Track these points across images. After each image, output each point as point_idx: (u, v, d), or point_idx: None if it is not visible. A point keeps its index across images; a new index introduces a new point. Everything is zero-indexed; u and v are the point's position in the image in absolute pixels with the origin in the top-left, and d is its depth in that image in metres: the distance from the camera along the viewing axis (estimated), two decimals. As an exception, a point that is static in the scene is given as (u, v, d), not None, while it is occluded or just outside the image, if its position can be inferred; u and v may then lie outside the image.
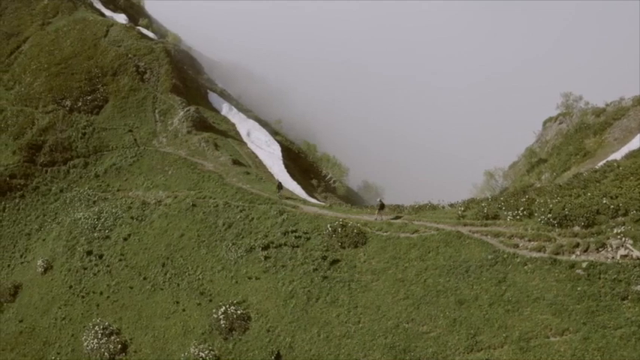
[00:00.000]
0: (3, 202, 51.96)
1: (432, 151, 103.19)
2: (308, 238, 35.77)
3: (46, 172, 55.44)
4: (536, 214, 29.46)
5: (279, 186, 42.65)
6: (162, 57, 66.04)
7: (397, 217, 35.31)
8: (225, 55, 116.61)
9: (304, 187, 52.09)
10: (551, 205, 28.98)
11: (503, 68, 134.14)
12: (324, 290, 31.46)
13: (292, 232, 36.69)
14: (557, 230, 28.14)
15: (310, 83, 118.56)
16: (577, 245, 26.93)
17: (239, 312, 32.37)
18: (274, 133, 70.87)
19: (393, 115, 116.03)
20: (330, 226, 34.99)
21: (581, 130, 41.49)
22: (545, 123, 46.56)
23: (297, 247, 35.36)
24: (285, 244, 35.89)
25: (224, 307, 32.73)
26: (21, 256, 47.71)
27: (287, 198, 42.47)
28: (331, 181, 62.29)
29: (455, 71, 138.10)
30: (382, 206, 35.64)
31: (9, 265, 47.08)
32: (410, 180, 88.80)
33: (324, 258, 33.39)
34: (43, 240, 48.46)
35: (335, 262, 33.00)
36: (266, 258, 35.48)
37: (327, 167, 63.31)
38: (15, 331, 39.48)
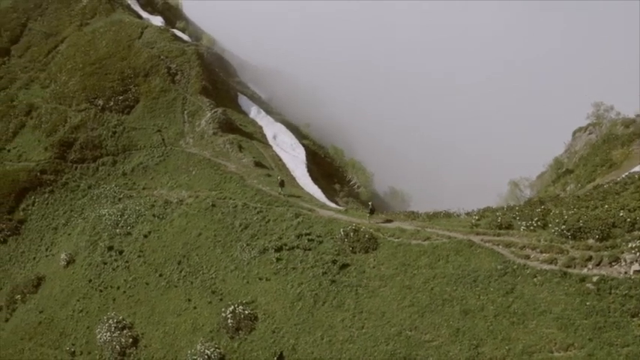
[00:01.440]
0: (33, 197, 54.20)
1: (462, 155, 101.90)
2: (321, 242, 36.15)
3: (76, 168, 57.52)
4: (550, 225, 29.07)
5: (282, 183, 43.89)
6: (193, 59, 67.61)
7: (387, 221, 36.14)
8: (262, 58, 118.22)
9: (325, 191, 52.48)
10: (566, 217, 28.56)
11: (539, 69, 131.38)
12: (331, 294, 31.74)
13: (306, 235, 37.18)
14: (570, 242, 27.70)
15: (344, 85, 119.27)
16: (590, 258, 26.43)
17: (247, 312, 32.99)
18: (302, 137, 71.69)
19: (425, 117, 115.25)
20: (343, 231, 35.31)
21: (609, 140, 40.52)
22: (574, 133, 45.69)
23: (310, 250, 35.78)
24: (297, 247, 36.37)
25: (233, 307, 33.43)
26: (46, 249, 49.71)
27: (290, 196, 43.36)
28: (355, 187, 62.50)
29: (491, 74, 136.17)
30: (372, 211, 36.86)
31: (34, 258, 49.15)
32: (438, 185, 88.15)
33: (334, 262, 33.70)
34: (69, 234, 50.35)
35: (344, 266, 33.25)
36: (278, 260, 36.03)
37: (352, 172, 63.54)
38: (35, 321, 41.21)
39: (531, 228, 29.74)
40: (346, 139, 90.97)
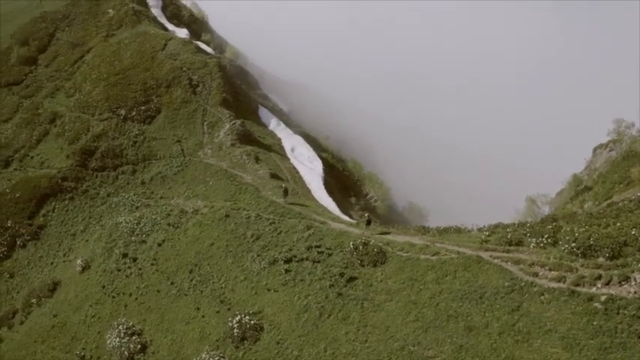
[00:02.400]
0: (53, 203, 55.71)
1: (482, 169, 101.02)
2: (330, 254, 36.42)
3: (97, 176, 58.96)
4: (560, 243, 28.82)
5: (285, 192, 44.92)
6: (215, 71, 68.98)
7: (384, 233, 36.79)
8: (285, 70, 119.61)
9: (340, 205, 52.79)
10: (577, 234, 28.28)
11: (562, 83, 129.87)
12: (336, 307, 31.92)
13: (316, 247, 37.52)
14: (580, 260, 27.41)
15: (367, 97, 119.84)
16: (599, 277, 26.11)
17: (252, 322, 33.35)
18: (321, 150, 72.25)
19: (449, 128, 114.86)
20: (353, 244, 35.55)
21: (629, 158, 39.92)
22: (595, 150, 45.20)
23: (319, 262, 36.06)
24: (307, 259, 36.71)
25: (239, 316, 33.86)
26: (64, 254, 51.00)
27: (292, 204, 44.29)
28: (372, 200, 62.61)
29: (518, 84, 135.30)
30: (369, 222, 37.78)
31: (52, 263, 50.45)
32: (457, 198, 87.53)
33: (342, 275, 33.92)
34: (86, 241, 51.58)
35: (352, 279, 33.44)
36: (287, 271, 36.38)
37: (369, 186, 63.73)
38: (48, 324, 42.28)
39: (541, 245, 29.52)
40: (368, 151, 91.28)
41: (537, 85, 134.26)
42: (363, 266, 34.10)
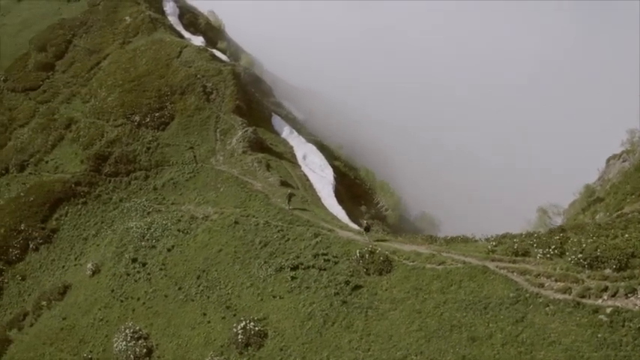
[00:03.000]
0: (66, 207, 56.65)
1: (495, 178, 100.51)
2: (336, 262, 36.62)
3: (110, 181, 59.85)
4: (567, 254, 28.69)
5: (289, 197, 45.90)
6: (229, 79, 69.80)
7: (382, 240, 37.66)
8: (301, 79, 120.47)
9: (350, 213, 52.99)
10: (584, 245, 28.15)
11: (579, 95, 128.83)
12: (341, 315, 32.08)
13: (323, 255, 37.74)
14: (586, 272, 27.25)
15: (381, 104, 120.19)
16: (605, 289, 25.94)
17: (257, 328, 33.64)
18: (334, 158, 72.60)
19: (464, 136, 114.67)
20: (359, 252, 35.74)
21: (642, 168, 39.74)
22: (608, 160, 44.96)
23: (325, 270, 36.28)
24: (313, 267, 36.96)
25: (244, 322, 34.18)
26: (75, 258, 51.84)
27: (296, 209, 45.38)
28: (383, 209, 62.72)
29: (536, 92, 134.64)
30: (367, 229, 38.71)
31: (63, 267, 51.30)
32: (468, 207, 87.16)
33: (347, 283, 34.09)
34: (97, 245, 52.39)
35: (357, 287, 33.59)
36: (293, 278, 36.67)
37: (381, 195, 63.90)
38: (57, 327, 42.99)
39: (548, 256, 29.39)
40: (382, 159, 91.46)
41: (550, 91, 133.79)
42: (369, 275, 34.23)
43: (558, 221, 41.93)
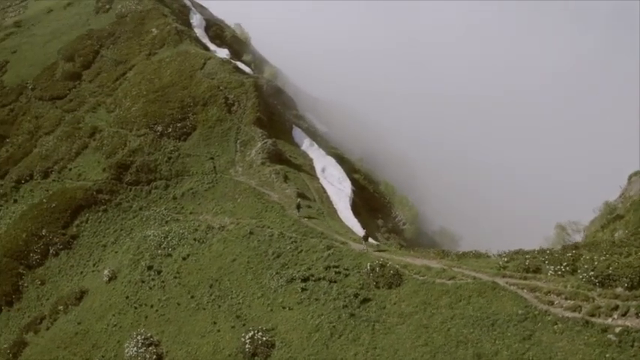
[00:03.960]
0: (87, 214, 57.99)
1: (514, 193, 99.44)
2: (347, 275, 36.96)
3: (130, 190, 61.01)
4: (579, 271, 28.48)
5: (298, 205, 47.06)
6: (250, 91, 70.77)
7: (381, 250, 38.94)
8: (326, 91, 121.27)
9: (367, 226, 53.11)
10: (596, 263, 27.92)
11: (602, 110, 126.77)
12: (348, 327, 32.29)
13: (334, 267, 38.16)
14: (597, 290, 27.02)
15: (408, 118, 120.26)
16: (616, 308, 25.70)
17: (265, 338, 34.04)
18: (354, 171, 72.83)
19: (487, 149, 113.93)
20: (370, 265, 35.99)
21: (663, 187, 38.96)
22: (630, 177, 44.23)
23: (335, 282, 36.62)
24: (324, 279, 37.35)
25: (252, 332, 34.64)
26: (94, 265, 52.96)
27: (305, 217, 46.67)
28: (400, 223, 62.63)
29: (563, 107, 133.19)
30: (366, 238, 39.99)
31: (81, 272, 52.47)
32: (492, 222, 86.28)
33: (356, 296, 34.36)
34: (115, 252, 53.49)
35: (366, 300, 33.83)
36: (303, 290, 37.09)
37: (399, 208, 63.90)
38: (72, 331, 44.02)
39: (559, 273, 29.21)
40: (404, 173, 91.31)
41: (573, 107, 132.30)
42: (379, 288, 34.44)
43: (577, 238, 41.36)
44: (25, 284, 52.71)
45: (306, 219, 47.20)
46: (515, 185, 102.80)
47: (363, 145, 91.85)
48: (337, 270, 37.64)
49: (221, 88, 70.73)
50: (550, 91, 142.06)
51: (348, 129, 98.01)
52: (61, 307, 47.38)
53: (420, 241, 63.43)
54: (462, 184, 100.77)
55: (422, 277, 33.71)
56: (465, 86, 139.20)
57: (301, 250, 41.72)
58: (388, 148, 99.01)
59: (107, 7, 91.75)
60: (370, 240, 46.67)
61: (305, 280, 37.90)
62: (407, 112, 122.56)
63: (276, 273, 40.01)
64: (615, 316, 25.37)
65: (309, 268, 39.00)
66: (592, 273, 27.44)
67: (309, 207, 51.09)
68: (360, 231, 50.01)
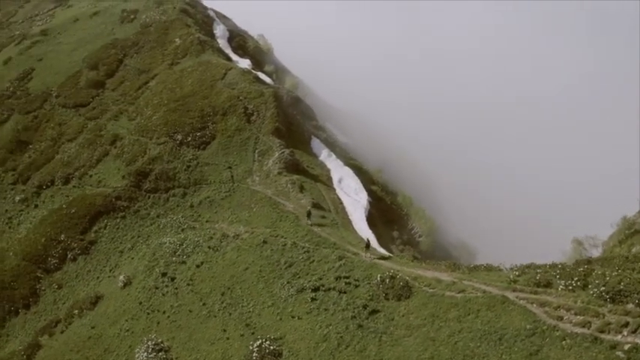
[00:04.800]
0: (106, 221, 59.13)
1: (539, 207, 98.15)
2: (357, 286, 37.09)
3: (149, 197, 62.05)
4: (590, 286, 28.18)
5: (308, 214, 48.10)
6: (270, 101, 71.62)
7: (383, 258, 39.82)
8: (347, 102, 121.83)
9: (380, 237, 53.18)
10: (607, 278, 27.61)
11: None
12: (355, 338, 32.36)
13: (344, 277, 38.34)
14: (608, 306, 26.68)
15: (429, 128, 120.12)
16: (626, 324, 25.32)
17: (272, 347, 34.25)
18: (372, 183, 72.96)
19: (507, 162, 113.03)
20: (380, 277, 36.09)
21: (682, 202, 38.30)
22: (649, 191, 43.68)
23: (345, 293, 36.78)
24: (333, 289, 37.55)
25: (260, 341, 34.89)
26: (110, 270, 53.94)
27: (314, 225, 47.71)
28: (416, 235, 62.48)
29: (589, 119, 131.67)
30: (368, 246, 40.74)
31: (98, 277, 53.51)
32: (513, 234, 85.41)
33: (365, 307, 34.46)
34: (132, 259, 54.42)
35: (374, 312, 33.89)
36: (313, 300, 37.29)
37: (415, 220, 63.80)
38: (85, 335, 44.88)
39: (570, 288, 28.93)
40: (424, 184, 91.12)
41: (592, 118, 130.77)
42: (388, 299, 34.48)
43: (595, 253, 40.89)
44: (43, 288, 53.93)
45: (318, 229, 47.56)
46: (539, 197, 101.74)
47: (383, 156, 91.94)
48: (347, 281, 37.81)
49: (241, 98, 71.69)
50: (571, 94, 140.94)
51: (368, 139, 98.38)
52: (76, 311, 48.35)
53: (437, 254, 63.10)
54: (484, 195, 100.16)
55: (431, 290, 33.68)
56: (486, 92, 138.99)
57: (313, 260, 41.99)
58: (409, 158, 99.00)
59: (132, 17, 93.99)
60: (382, 250, 47.02)
61: (315, 290, 38.14)
62: (429, 121, 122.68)
63: (287, 282, 40.31)
64: (625, 333, 25.00)
65: (320, 278, 39.22)
66: (603, 288, 27.13)
67: (324, 217, 51.38)
68: (373, 242, 50.16)
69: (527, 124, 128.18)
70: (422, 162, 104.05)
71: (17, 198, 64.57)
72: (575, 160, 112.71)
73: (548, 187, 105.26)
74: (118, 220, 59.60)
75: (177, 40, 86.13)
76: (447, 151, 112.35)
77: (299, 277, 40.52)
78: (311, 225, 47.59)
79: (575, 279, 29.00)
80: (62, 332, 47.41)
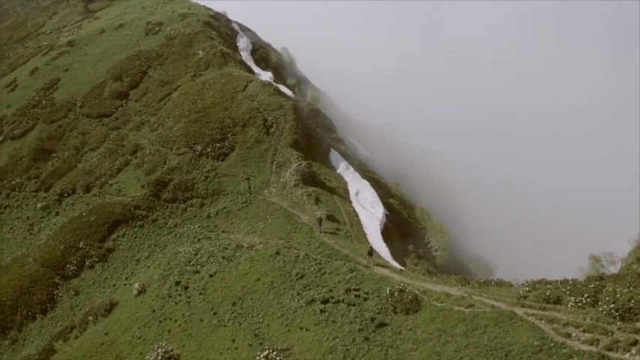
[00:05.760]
0: (124, 229, 60.17)
1: (561, 223, 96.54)
2: (366, 299, 37.17)
3: (167, 207, 62.99)
4: (600, 303, 27.77)
5: (320, 221, 49.25)
6: (289, 113, 72.36)
7: (383, 266, 41.07)
8: (370, 116, 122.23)
9: (397, 251, 53.09)
10: (618, 295, 27.19)
11: None
12: (361, 351, 32.34)
13: (354, 290, 38.49)
14: (617, 324, 26.29)
15: (451, 141, 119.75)
16: (634, 343, 24.94)
17: (279, 358, 34.42)
18: (390, 196, 72.93)
19: (529, 176, 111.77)
20: (389, 290, 36.09)
21: (703, 222, 37.42)
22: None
23: (354, 305, 36.86)
24: (343, 301, 37.69)
25: (267, 351, 35.10)
26: (126, 278, 54.75)
27: (324, 232, 49.09)
28: (432, 249, 62.11)
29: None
30: (370, 253, 41.90)
31: (114, 285, 54.37)
32: (531, 249, 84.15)
33: (373, 320, 34.48)
34: (148, 267, 55.21)
35: (382, 325, 33.86)
36: (321, 311, 37.44)
37: (432, 234, 63.52)
38: (98, 341, 45.58)
39: (580, 304, 28.54)
40: (444, 197, 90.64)
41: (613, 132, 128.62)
42: (396, 313, 34.43)
43: (612, 270, 40.20)
44: (60, 294, 55.00)
45: (332, 241, 47.77)
46: (562, 211, 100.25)
47: (404, 169, 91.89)
48: (357, 293, 37.93)
49: (260, 109, 72.57)
50: (589, 113, 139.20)
51: (388, 152, 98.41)
52: (91, 318, 49.18)
53: (453, 268, 62.60)
54: (505, 208, 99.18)
55: (440, 304, 33.53)
56: (507, 104, 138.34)
57: (324, 272, 42.20)
58: (430, 171, 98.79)
59: (157, 29, 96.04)
60: (395, 263, 46.91)
61: (324, 301, 38.33)
62: (450, 132, 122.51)
63: (298, 294, 40.53)
64: (633, 352, 24.58)
65: (330, 290, 39.42)
66: (613, 306, 26.75)
67: (338, 229, 51.54)
68: (387, 255, 50.14)
69: (550, 135, 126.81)
70: (443, 174, 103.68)
71: (39, 205, 66.20)
72: (599, 174, 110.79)
73: (571, 201, 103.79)
74: (136, 229, 60.55)
75: (200, 52, 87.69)
76: (468, 163, 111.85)
77: (309, 289, 40.72)
78: (321, 232, 48.42)
79: (586, 296, 28.64)
80: (76, 338, 48.23)
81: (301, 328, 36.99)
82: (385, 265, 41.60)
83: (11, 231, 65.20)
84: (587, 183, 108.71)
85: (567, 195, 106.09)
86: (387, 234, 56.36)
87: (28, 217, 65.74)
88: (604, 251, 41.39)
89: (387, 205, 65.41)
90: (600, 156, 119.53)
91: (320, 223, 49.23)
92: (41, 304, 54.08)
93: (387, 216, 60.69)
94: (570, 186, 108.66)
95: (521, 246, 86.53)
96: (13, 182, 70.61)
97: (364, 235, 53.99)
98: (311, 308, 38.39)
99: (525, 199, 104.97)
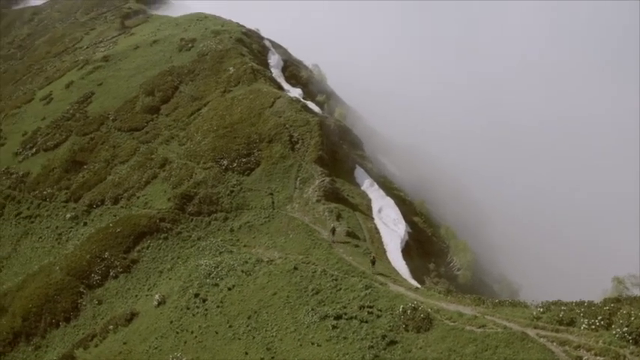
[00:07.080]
0: (149, 241, 61.43)
1: (585, 245, 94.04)
2: (379, 316, 37.08)
3: (191, 220, 64.08)
4: (614, 326, 27.12)
5: (332, 230, 51.00)
6: (315, 129, 73.02)
7: (383, 275, 42.15)
8: (400, 133, 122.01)
9: (417, 269, 52.73)
10: (632, 318, 26.52)
11: None
12: (370, 368, 32.20)
13: (368, 307, 38.47)
14: (630, 347, 25.68)
15: (484, 158, 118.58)
16: (646, 370, 24.20)
17: (288, 372, 34.53)
18: (414, 214, 72.54)
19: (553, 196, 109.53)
20: (402, 307, 35.95)
21: None
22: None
23: (366, 322, 36.83)
24: (355, 318, 37.68)
25: (278, 365, 35.25)
26: (148, 289, 55.82)
27: (337, 242, 50.84)
28: (455, 269, 61.45)
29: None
30: (373, 262, 43.56)
31: (136, 296, 55.44)
32: (553, 271, 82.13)
33: (384, 337, 34.39)
34: (170, 279, 56.20)
35: (392, 343, 33.73)
36: (334, 327, 37.50)
37: (454, 253, 62.89)
38: (116, 350, 46.50)
39: (593, 327, 27.94)
40: (474, 216, 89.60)
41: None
42: (407, 331, 34.27)
43: (637, 292, 39.17)
44: (84, 303, 56.34)
45: (350, 257, 47.82)
46: (591, 228, 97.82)
47: (430, 185, 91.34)
48: (370, 310, 37.88)
49: (287, 126, 73.44)
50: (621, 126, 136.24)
51: (415, 168, 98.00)
52: (111, 327, 50.23)
53: (476, 288, 61.64)
54: (533, 225, 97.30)
55: (452, 323, 33.23)
56: (535, 116, 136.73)
57: (340, 288, 42.27)
58: (456, 186, 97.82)
59: (190, 45, 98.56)
60: (413, 281, 46.64)
61: (337, 317, 38.38)
62: (478, 148, 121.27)
63: (312, 309, 40.66)
64: (645, 378, 23.89)
65: (344, 307, 39.44)
66: (626, 329, 26.13)
67: (356, 246, 51.57)
68: (406, 273, 49.85)
69: (579, 151, 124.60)
70: (470, 189, 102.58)
71: (68, 215, 68.24)
72: (631, 191, 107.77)
73: (601, 217, 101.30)
74: (161, 241, 61.73)
75: (231, 68, 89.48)
76: (496, 177, 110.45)
77: (324, 305, 40.81)
78: (333, 242, 49.76)
79: (599, 318, 28.01)
80: (96, 346, 49.28)
81: (313, 344, 37.07)
82: (387, 276, 41.84)
83: (40, 240, 67.35)
84: (619, 199, 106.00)
85: (597, 211, 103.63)
86: (408, 252, 56.07)
87: (57, 227, 67.82)
88: (628, 273, 40.39)
89: (410, 223, 65.11)
90: (633, 171, 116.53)
91: (333, 233, 50.21)
92: (65, 312, 55.46)
93: (409, 234, 60.44)
94: (600, 202, 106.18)
95: (549, 263, 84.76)
96: (45, 192, 73.10)
97: (384, 252, 53.87)
98: (324, 324, 38.46)
99: (554, 215, 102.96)
